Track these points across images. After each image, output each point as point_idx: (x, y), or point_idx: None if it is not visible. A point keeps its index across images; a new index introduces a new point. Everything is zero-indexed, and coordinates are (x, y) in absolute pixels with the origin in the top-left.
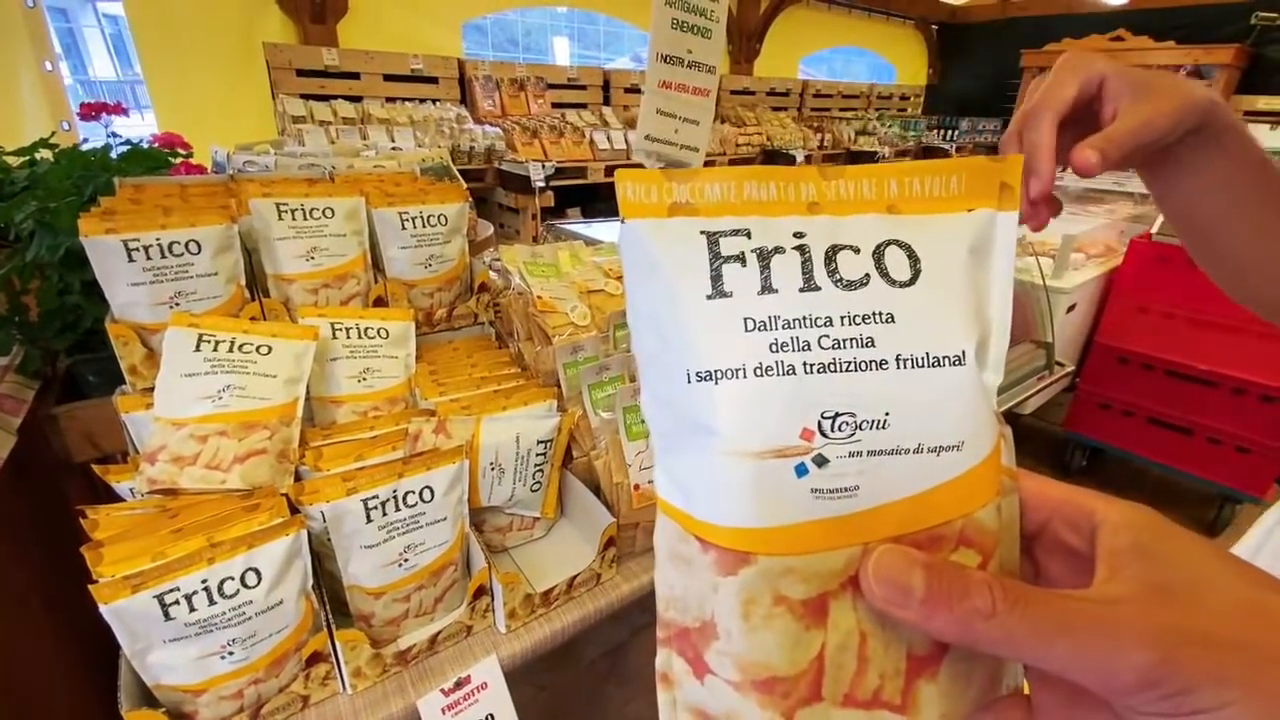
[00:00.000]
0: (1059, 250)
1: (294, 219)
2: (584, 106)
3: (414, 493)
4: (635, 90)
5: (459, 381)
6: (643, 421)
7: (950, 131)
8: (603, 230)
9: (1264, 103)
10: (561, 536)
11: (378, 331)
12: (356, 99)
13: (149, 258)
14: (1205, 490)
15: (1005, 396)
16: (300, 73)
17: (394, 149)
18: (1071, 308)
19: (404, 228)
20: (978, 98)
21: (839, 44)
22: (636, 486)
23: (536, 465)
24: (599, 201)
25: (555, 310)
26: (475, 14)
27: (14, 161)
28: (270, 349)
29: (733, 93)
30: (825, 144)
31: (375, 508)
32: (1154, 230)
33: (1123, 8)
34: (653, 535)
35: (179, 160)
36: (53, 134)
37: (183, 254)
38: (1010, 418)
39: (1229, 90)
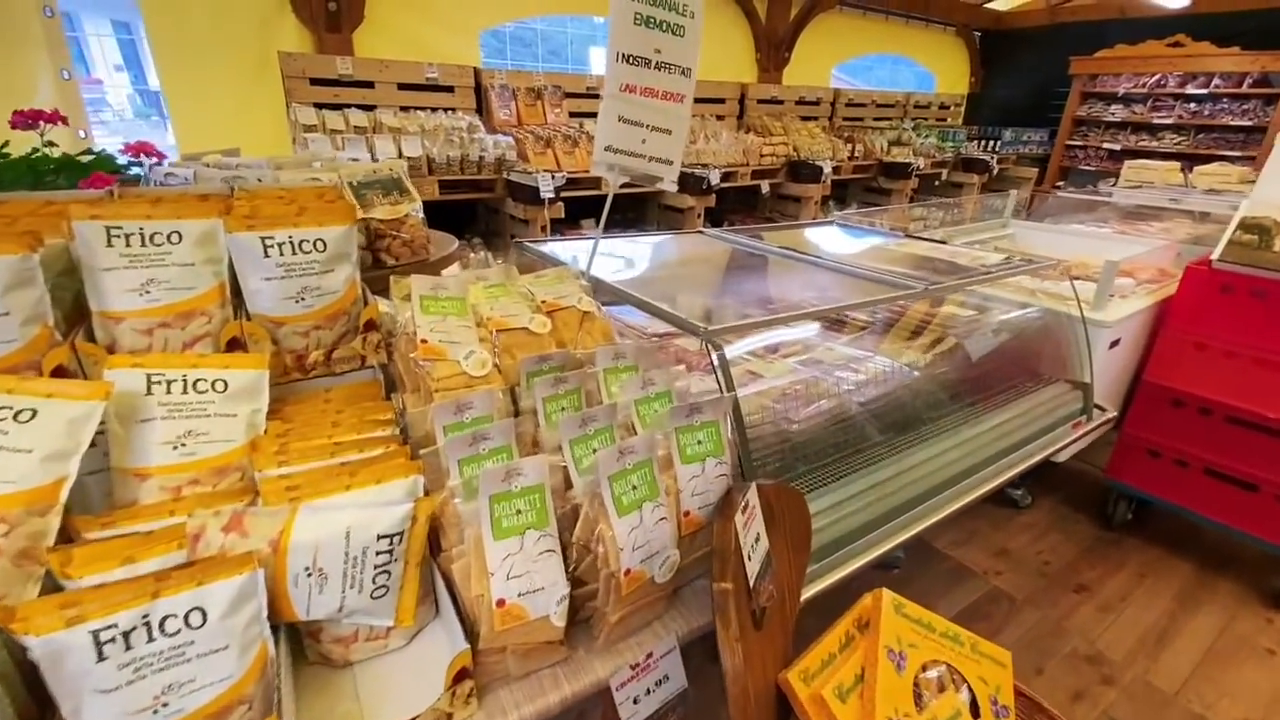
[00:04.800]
0: (1100, 277)
1: (128, 245)
2: None
3: (176, 616)
4: None
5: (309, 448)
6: (519, 512)
7: (992, 142)
8: (581, 250)
9: None
10: (430, 641)
11: (212, 384)
12: (370, 108)
13: None
14: (1272, 555)
15: (1035, 445)
16: (314, 81)
17: (352, 159)
18: (1115, 343)
19: (268, 255)
20: (1023, 107)
21: (875, 51)
22: (501, 602)
23: (379, 567)
24: (614, 213)
25: (443, 357)
26: (493, 22)
27: None
28: (34, 414)
29: (760, 102)
30: (856, 154)
31: (112, 640)
32: (1215, 256)
33: (1182, 11)
34: (527, 661)
35: (107, 171)
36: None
37: None
38: (1044, 462)
39: None
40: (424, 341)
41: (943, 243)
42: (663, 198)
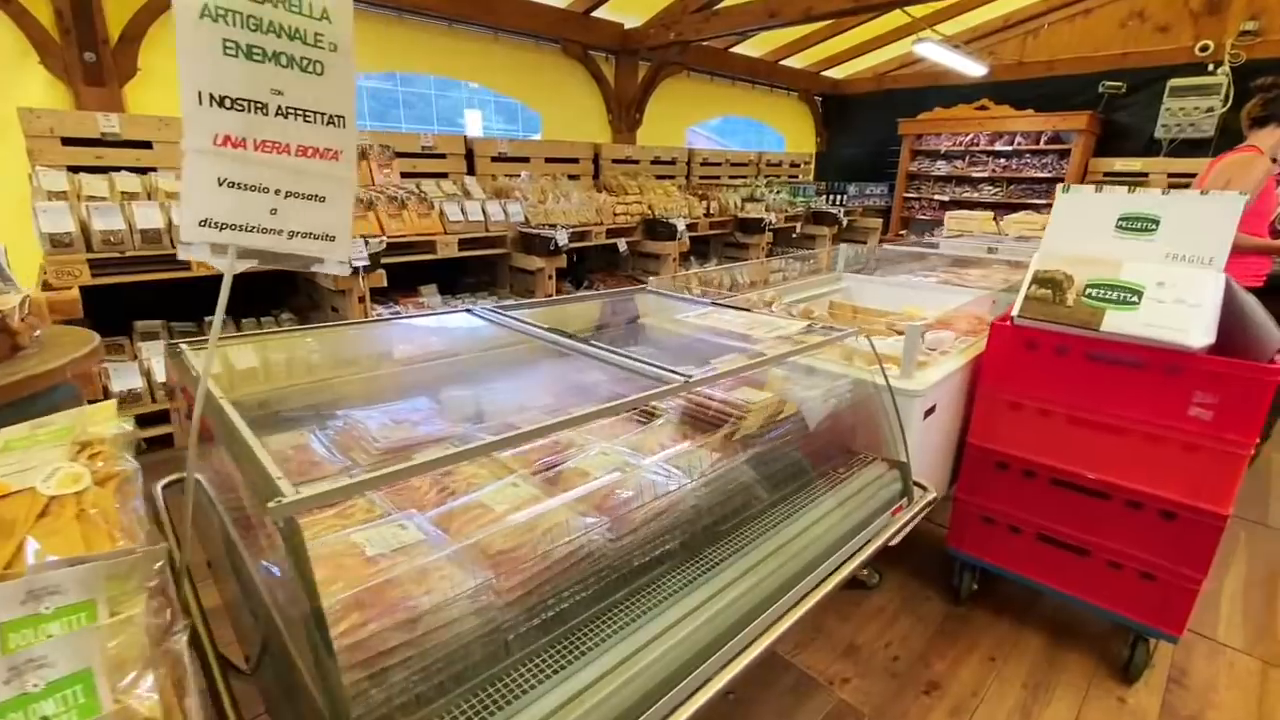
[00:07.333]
0: (905, 343)
1: None
2: (444, 176)
3: None
4: (504, 159)
5: None
6: None
7: (840, 196)
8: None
9: (1121, 164)
10: None
11: None
12: (148, 170)
13: None
14: (1111, 623)
15: (857, 540)
16: (69, 141)
17: None
18: (930, 410)
19: None
20: (864, 164)
21: (725, 114)
22: None
23: None
24: (464, 275)
25: None
26: None
27: None
28: None
29: (614, 161)
30: (712, 211)
31: None
32: (1015, 311)
33: (985, 79)
34: None
35: None
36: None
37: None
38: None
39: (1087, 153)
40: None
41: (747, 310)
42: (512, 259)
